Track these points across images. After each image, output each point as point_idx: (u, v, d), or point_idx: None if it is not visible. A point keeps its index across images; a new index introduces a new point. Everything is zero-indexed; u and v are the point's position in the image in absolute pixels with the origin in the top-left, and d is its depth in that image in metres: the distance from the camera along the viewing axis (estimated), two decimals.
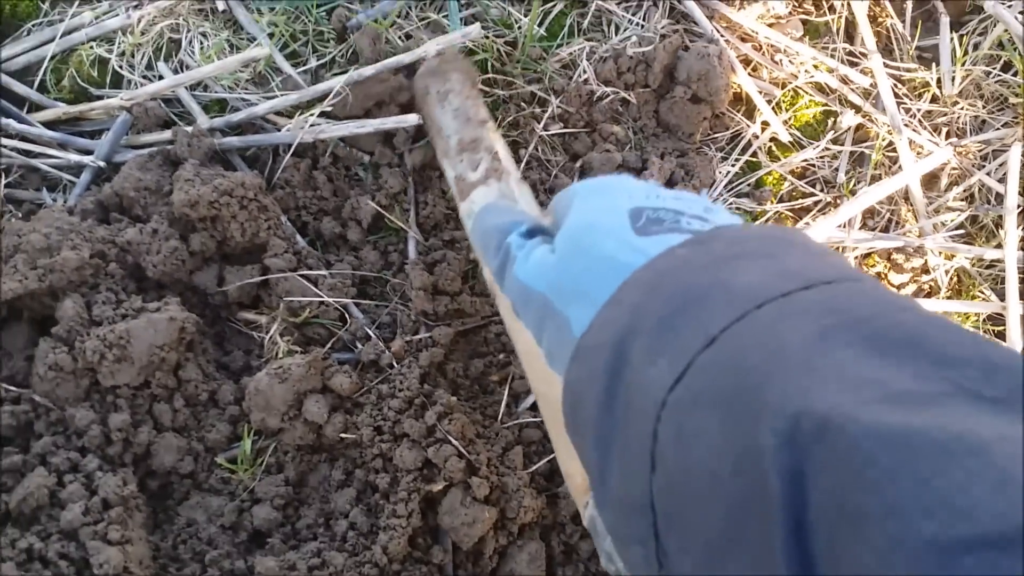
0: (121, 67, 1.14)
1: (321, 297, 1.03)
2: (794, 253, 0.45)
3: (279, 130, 1.10)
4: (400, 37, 1.17)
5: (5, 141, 1.08)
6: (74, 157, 1.08)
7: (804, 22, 1.28)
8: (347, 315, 1.05)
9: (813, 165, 1.22)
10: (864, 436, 0.30)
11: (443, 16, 1.19)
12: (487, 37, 1.18)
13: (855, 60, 1.27)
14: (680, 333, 0.40)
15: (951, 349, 0.34)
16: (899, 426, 0.29)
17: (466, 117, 1.01)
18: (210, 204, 1.00)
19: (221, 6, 1.15)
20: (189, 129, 1.07)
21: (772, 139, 1.22)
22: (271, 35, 1.15)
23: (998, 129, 1.23)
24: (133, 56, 1.14)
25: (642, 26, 1.23)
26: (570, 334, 0.50)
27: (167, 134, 1.09)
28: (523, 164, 1.14)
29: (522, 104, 1.17)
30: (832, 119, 1.25)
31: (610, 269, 0.49)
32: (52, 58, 1.14)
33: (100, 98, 1.13)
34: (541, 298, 0.54)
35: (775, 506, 0.32)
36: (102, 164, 1.08)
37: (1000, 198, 1.19)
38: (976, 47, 1.28)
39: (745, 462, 0.34)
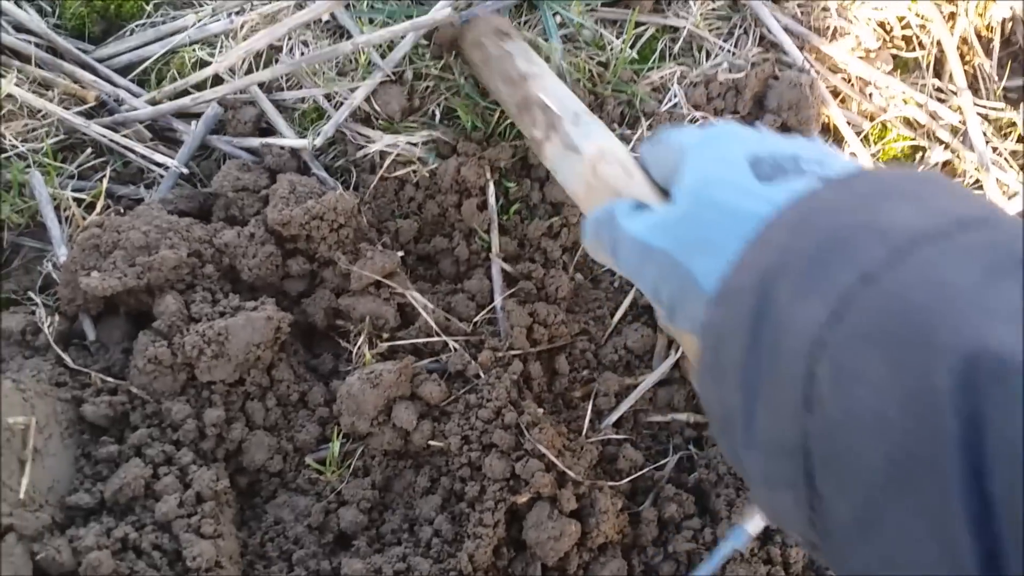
0: (221, 71, 1.16)
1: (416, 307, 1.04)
2: (942, 193, 0.43)
3: (370, 145, 1.11)
4: None
5: (106, 133, 1.10)
6: (159, 158, 1.10)
7: (894, 57, 1.28)
8: (435, 326, 1.05)
9: None
10: None
11: (537, 35, 1.20)
12: (578, 56, 1.19)
13: (943, 97, 1.28)
14: (832, 271, 0.39)
15: None
16: None
17: (508, 78, 0.99)
18: (301, 226, 1.02)
19: (326, 16, 1.16)
20: (275, 144, 1.11)
21: None
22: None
23: None
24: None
25: (733, 53, 1.24)
26: (695, 286, 0.50)
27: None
28: None
29: (613, 125, 1.18)
30: (920, 154, 1.25)
31: (738, 219, 0.48)
32: (153, 58, 1.16)
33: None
34: (662, 254, 0.53)
35: (951, 448, 0.31)
36: (184, 170, 1.10)
37: None
38: None
39: (916, 403, 0.33)
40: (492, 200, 1.11)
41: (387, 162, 1.10)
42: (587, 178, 0.78)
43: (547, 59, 1.17)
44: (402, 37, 1.13)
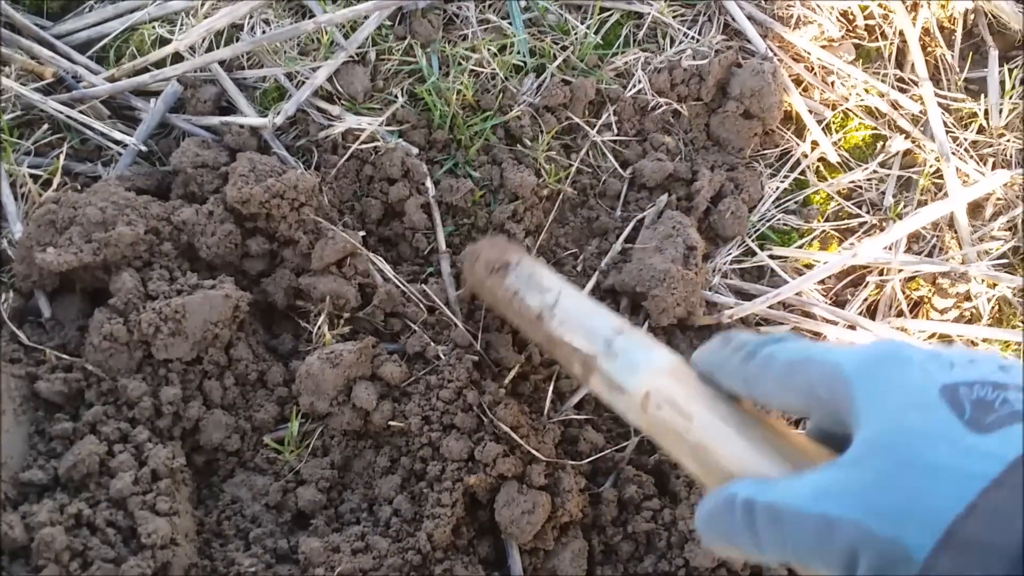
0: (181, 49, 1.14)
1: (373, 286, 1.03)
2: None
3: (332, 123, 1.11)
4: (459, 37, 1.18)
5: (63, 109, 1.08)
6: (117, 135, 1.09)
7: (856, 46, 1.29)
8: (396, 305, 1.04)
9: (860, 187, 1.23)
10: None
11: (502, 18, 1.20)
12: (543, 41, 1.19)
13: (904, 87, 1.29)
14: None
15: None
16: None
17: (524, 319, 0.87)
18: (261, 204, 1.01)
19: None
20: (235, 122, 1.09)
21: (821, 159, 1.23)
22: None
23: None
24: None
25: (697, 40, 1.24)
26: (907, 561, 0.43)
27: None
28: (573, 170, 1.15)
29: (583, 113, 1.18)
30: (881, 143, 1.26)
31: (956, 482, 0.42)
32: (112, 35, 1.15)
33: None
34: (852, 525, 0.45)
35: None
36: (142, 148, 1.09)
37: None
38: None
39: None
40: (433, 201, 1.11)
41: (348, 142, 1.09)
42: (642, 417, 0.71)
43: (511, 45, 1.17)
44: (365, 17, 1.12)
